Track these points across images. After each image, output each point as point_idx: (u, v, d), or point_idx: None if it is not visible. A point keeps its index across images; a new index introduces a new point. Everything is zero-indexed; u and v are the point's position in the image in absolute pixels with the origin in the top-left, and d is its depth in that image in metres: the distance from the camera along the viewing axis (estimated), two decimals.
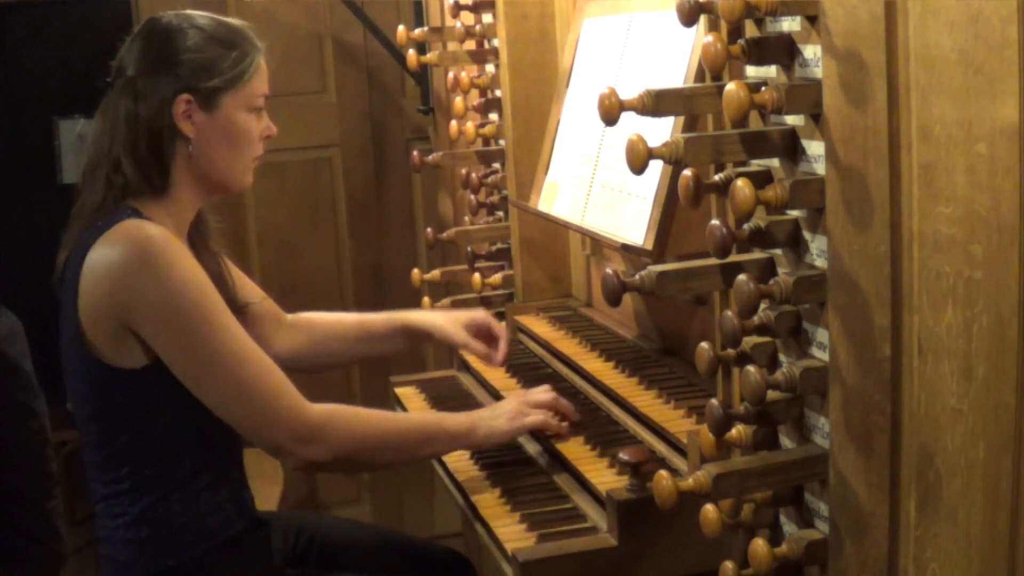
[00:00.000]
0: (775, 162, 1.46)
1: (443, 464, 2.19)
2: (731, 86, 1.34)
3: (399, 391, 2.63)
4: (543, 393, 2.12)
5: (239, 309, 2.08)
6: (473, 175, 2.79)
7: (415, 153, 2.82)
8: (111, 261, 1.81)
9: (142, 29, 1.96)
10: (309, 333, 2.36)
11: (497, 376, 2.45)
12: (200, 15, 1.98)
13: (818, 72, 1.36)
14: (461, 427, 2.03)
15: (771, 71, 1.46)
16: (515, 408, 2.07)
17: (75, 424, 1.95)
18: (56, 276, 1.93)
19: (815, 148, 1.39)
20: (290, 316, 2.38)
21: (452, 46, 2.89)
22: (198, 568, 1.92)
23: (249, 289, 2.26)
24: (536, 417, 2.05)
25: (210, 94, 1.91)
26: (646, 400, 2.05)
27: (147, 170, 1.90)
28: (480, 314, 2.39)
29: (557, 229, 2.63)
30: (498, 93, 2.75)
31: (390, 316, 2.41)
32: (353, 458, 1.94)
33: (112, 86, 1.95)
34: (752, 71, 1.50)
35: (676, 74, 1.96)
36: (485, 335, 2.37)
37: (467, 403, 2.43)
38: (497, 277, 2.80)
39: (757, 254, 1.49)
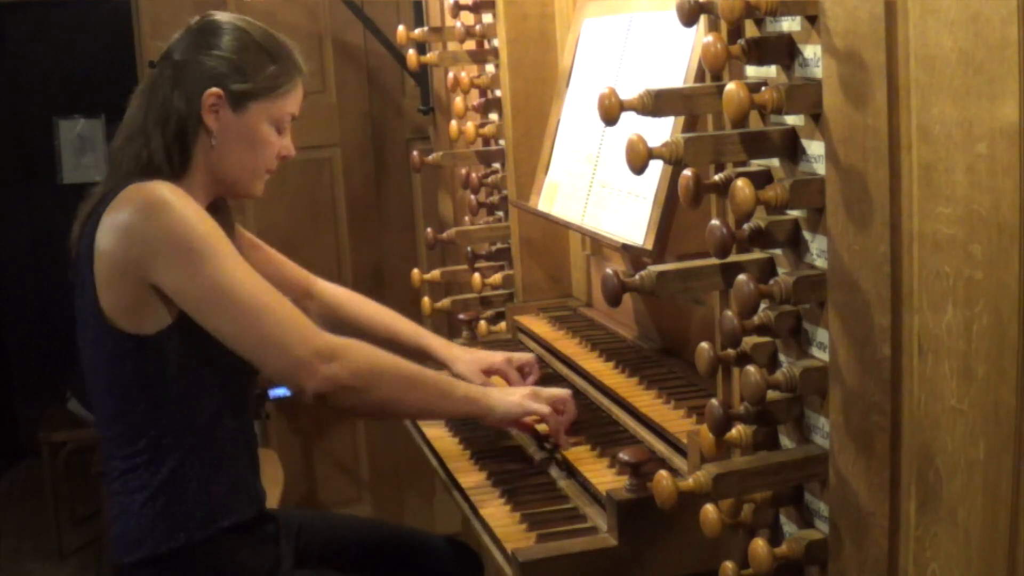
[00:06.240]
0: (775, 162, 1.46)
1: (443, 464, 2.19)
2: (731, 86, 1.34)
3: None
4: (558, 390, 2.13)
5: None
6: (473, 175, 2.79)
7: (415, 153, 2.82)
8: (122, 221, 1.86)
9: (198, 22, 2.03)
10: (334, 316, 2.38)
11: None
12: (256, 24, 2.06)
13: (818, 72, 1.36)
14: (474, 392, 2.08)
15: (771, 71, 1.46)
16: (527, 392, 2.10)
17: (91, 407, 1.95)
18: (72, 251, 1.96)
19: (815, 148, 1.39)
20: (320, 286, 2.40)
21: (452, 46, 2.89)
22: (206, 549, 1.94)
23: (289, 268, 2.35)
24: (543, 407, 2.06)
25: (240, 96, 1.98)
26: (646, 400, 2.05)
27: (170, 150, 1.96)
28: (498, 361, 2.35)
29: (557, 229, 2.63)
30: (498, 93, 2.75)
31: (416, 333, 2.42)
32: (372, 386, 1.95)
33: (156, 68, 2.02)
34: (752, 71, 1.50)
35: (676, 74, 1.96)
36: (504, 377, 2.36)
37: None
38: (497, 277, 2.80)
39: (757, 254, 1.49)
